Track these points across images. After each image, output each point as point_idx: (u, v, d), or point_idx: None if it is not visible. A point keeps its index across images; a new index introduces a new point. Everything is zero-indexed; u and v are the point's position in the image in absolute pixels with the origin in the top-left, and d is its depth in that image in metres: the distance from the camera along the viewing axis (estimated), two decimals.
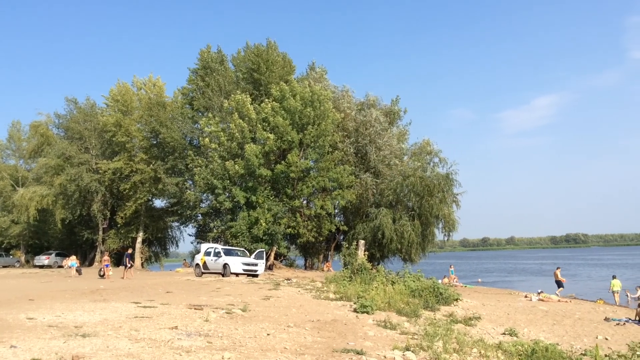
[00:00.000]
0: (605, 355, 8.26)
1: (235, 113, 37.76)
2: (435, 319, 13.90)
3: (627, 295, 31.03)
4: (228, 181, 37.08)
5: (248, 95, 39.32)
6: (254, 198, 36.50)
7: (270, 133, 36.57)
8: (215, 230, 38.85)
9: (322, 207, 37.99)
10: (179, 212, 44.19)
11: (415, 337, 10.58)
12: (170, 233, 53.78)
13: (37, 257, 49.35)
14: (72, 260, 35.93)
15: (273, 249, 37.67)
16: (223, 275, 28.68)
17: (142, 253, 47.53)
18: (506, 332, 14.59)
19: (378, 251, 39.95)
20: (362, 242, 31.81)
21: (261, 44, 43.95)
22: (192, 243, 46.63)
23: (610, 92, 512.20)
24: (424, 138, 44.66)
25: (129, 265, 31.22)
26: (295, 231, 38.19)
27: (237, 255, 30.25)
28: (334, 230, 41.29)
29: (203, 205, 41.04)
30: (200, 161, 38.64)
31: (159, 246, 55.58)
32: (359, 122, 42.08)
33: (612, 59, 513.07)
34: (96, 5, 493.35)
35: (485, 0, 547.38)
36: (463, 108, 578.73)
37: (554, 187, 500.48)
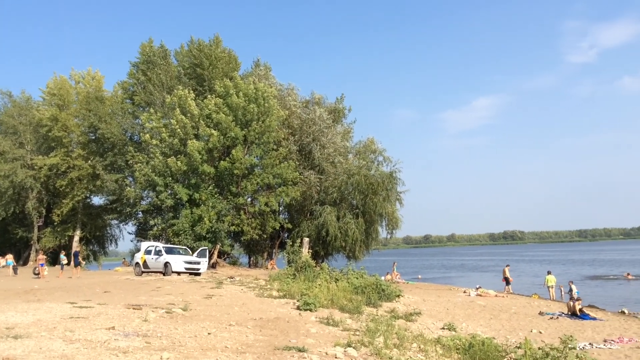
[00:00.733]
0: (539, 348, 8.55)
1: (177, 109, 37.04)
2: (377, 315, 14.05)
3: (561, 290, 32.34)
4: (170, 178, 36.34)
5: (191, 91, 38.68)
6: (197, 195, 35.94)
7: (214, 129, 36.08)
8: (156, 228, 38.02)
9: (266, 205, 37.81)
10: (118, 209, 43.09)
11: (357, 333, 10.65)
12: (109, 231, 52.43)
13: None
14: (9, 259, 34.69)
15: (216, 247, 37.20)
16: (164, 274, 28.09)
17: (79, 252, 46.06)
18: (445, 327, 14.92)
19: (322, 249, 40.10)
20: (306, 239, 31.85)
21: (203, 39, 43.36)
22: (132, 241, 45.63)
23: (547, 94, 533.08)
24: (368, 137, 45.18)
25: (76, 264, 31.13)
26: (240, 229, 37.87)
27: (179, 254, 29.71)
28: (278, 228, 41.17)
29: (144, 202, 40.14)
30: (141, 157, 37.71)
31: (97, 245, 54.05)
32: (303, 119, 42.10)
33: (549, 63, 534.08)
34: None
35: (428, 2, 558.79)
36: (407, 108, 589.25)
37: (492, 186, 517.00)
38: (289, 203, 41.02)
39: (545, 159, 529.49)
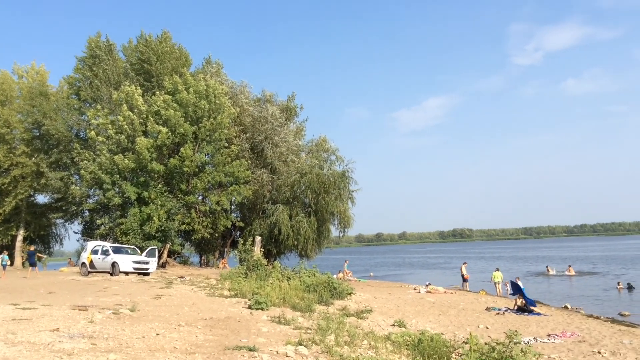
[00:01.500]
0: (485, 343, 8.73)
1: (124, 105, 36.15)
2: (328, 313, 14.09)
3: (507, 287, 33.23)
4: (117, 176, 35.43)
5: (138, 87, 37.86)
6: (145, 194, 35.20)
7: (163, 126, 35.40)
8: (103, 228, 37.05)
9: (217, 203, 37.40)
10: (63, 208, 41.79)
11: (309, 331, 10.65)
12: (54, 230, 50.67)
13: None
14: None
15: (166, 247, 36.56)
16: (112, 275, 27.50)
17: (22, 252, 44.41)
18: (395, 324, 15.09)
19: (274, 247, 39.98)
20: (258, 238, 31.68)
21: (152, 34, 42.49)
22: (78, 241, 44.29)
23: (495, 95, 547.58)
24: (320, 135, 45.18)
25: (32, 264, 30.24)
26: (190, 228, 37.32)
27: (127, 253, 29.14)
28: (230, 227, 40.82)
29: (90, 201, 39.04)
30: (87, 155, 36.63)
31: (41, 244, 52.18)
32: (255, 117, 41.83)
33: (497, 64, 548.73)
34: None
35: (380, 1, 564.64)
36: (359, 107, 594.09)
37: (443, 184, 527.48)
38: (241, 202, 40.71)
39: (493, 158, 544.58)
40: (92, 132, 36.29)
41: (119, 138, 35.67)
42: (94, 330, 9.69)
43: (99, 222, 37.25)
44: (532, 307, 22.90)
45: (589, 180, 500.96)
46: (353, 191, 42.52)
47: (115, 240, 35.18)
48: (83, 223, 43.66)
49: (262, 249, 31.86)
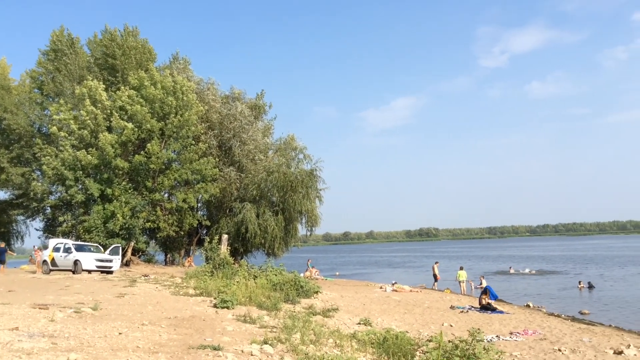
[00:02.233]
0: (449, 341, 8.83)
1: (87, 100, 35.41)
2: (295, 312, 14.07)
3: (471, 285, 33.79)
4: (80, 172, 34.70)
5: (101, 82, 37.17)
6: (109, 190, 34.58)
7: (128, 122, 34.82)
8: (65, 225, 36.28)
9: (184, 201, 37.00)
10: (24, 204, 40.81)
11: (275, 330, 10.61)
12: (14, 227, 49.44)
13: None
14: None
15: (130, 245, 35.99)
16: (74, 273, 26.99)
17: None
18: (361, 322, 15.16)
19: (241, 246, 39.78)
20: (225, 236, 31.49)
21: (117, 28, 41.76)
22: (39, 238, 43.31)
23: (461, 96, 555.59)
24: (289, 134, 45.05)
25: (1, 261, 30.00)
26: (155, 225, 36.81)
27: (90, 251, 28.66)
28: (196, 225, 40.44)
29: (52, 197, 38.16)
30: (49, 150, 35.80)
31: (2, 242, 50.87)
32: (223, 115, 41.52)
33: (463, 66, 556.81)
34: None
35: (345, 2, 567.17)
36: (328, 105, 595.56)
37: (410, 184, 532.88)
38: (208, 199, 40.37)
39: (459, 159, 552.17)
40: (54, 128, 35.48)
41: (82, 133, 34.95)
42: (54, 329, 9.47)
43: (61, 219, 36.47)
44: (495, 306, 23.30)
45: (552, 182, 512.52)
46: (321, 190, 42.63)
47: (78, 238, 34.51)
48: (45, 220, 42.77)
49: (229, 247, 31.69)
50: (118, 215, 33.78)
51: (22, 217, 45.64)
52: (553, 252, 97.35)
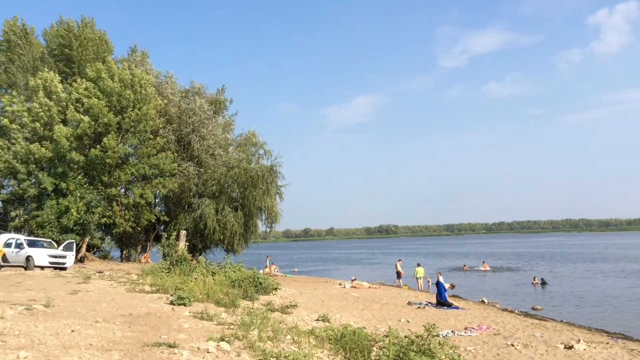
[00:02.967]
0: (405, 337, 8.94)
1: (42, 91, 34.38)
2: (253, 309, 14.00)
3: (429, 281, 34.29)
4: (34, 166, 33.70)
5: (57, 74, 36.14)
6: (64, 185, 33.69)
7: (84, 115, 33.97)
8: (17, 220, 35.20)
9: (141, 196, 36.35)
10: None
11: (232, 327, 10.53)
12: None
13: None
14: None
15: (85, 240, 35.17)
16: (26, 269, 26.21)
17: None
18: (320, 318, 15.20)
19: (200, 242, 39.35)
20: (183, 232, 31.07)
21: (72, 19, 40.66)
22: None
23: (421, 95, 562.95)
24: (249, 129, 44.90)
25: None
26: (111, 221, 36.06)
27: (43, 247, 27.88)
28: (153, 221, 39.79)
29: (4, 191, 37.02)
30: (1, 143, 34.64)
31: None
32: (182, 109, 40.93)
33: (424, 65, 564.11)
34: None
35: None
36: (290, 102, 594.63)
37: (370, 181, 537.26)
38: (166, 195, 39.77)
39: (419, 157, 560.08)
40: (6, 120, 34.33)
41: (35, 126, 33.93)
42: (4, 326, 9.18)
43: (13, 214, 35.36)
44: (451, 302, 23.74)
45: (508, 180, 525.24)
46: (281, 186, 42.53)
47: (31, 233, 33.51)
48: None
49: (187, 244, 31.30)
50: (72, 210, 32.95)
51: None
52: (507, 249, 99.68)
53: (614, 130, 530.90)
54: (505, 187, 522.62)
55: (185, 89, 44.19)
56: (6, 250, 27.73)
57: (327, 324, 13.76)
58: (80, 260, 33.87)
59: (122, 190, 38.32)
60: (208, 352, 8.04)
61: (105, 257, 41.34)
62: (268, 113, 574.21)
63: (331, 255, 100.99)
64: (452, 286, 26.87)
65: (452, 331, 16.54)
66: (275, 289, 21.39)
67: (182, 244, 28.03)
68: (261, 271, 34.07)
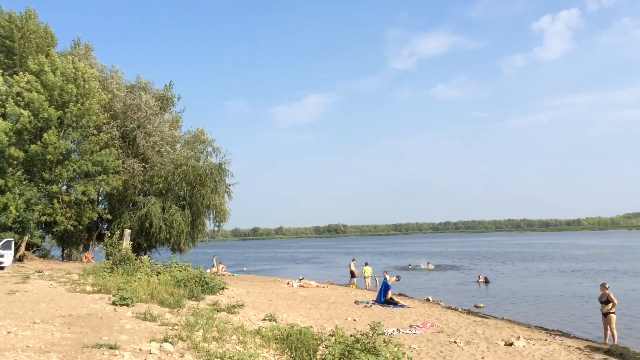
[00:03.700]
0: (351, 335, 9.01)
1: None
2: (198, 309, 13.82)
3: (376, 280, 34.69)
4: None
5: None
6: (2, 181, 32.32)
7: (25, 109, 32.72)
8: None
9: (83, 193, 35.28)
10: None
11: (176, 327, 10.37)
12: None
13: None
14: None
15: (24, 239, 33.85)
16: None
17: None
18: (266, 318, 15.16)
19: (145, 241, 38.54)
20: (127, 231, 30.38)
21: (14, 10, 39.07)
22: None
23: (372, 96, 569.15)
24: (198, 127, 44.17)
25: None
26: (52, 219, 34.85)
27: None
28: (96, 219, 38.68)
29: None
30: None
31: None
32: (128, 104, 39.94)
33: (374, 66, 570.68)
34: None
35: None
36: (240, 100, 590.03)
37: (319, 181, 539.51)
38: (110, 192, 38.74)
39: (369, 157, 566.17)
40: None
41: None
42: None
43: None
44: (397, 300, 24.09)
45: (455, 181, 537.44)
46: (230, 184, 42.14)
47: None
48: None
49: (131, 243, 30.61)
50: (11, 207, 31.65)
51: None
52: (452, 248, 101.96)
53: (555, 133, 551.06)
54: (452, 188, 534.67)
55: (131, 84, 43.16)
56: None
57: (274, 323, 13.73)
58: (19, 259, 32.60)
59: (64, 187, 37.07)
60: (150, 353, 7.89)
61: (45, 256, 39.89)
62: (217, 111, 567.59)
63: (280, 254, 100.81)
64: (398, 278, 27.30)
65: (397, 329, 16.78)
66: (222, 288, 21.19)
67: (126, 243, 27.42)
68: (208, 271, 33.68)
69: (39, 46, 38.27)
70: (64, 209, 35.68)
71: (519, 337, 15.27)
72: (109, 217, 39.39)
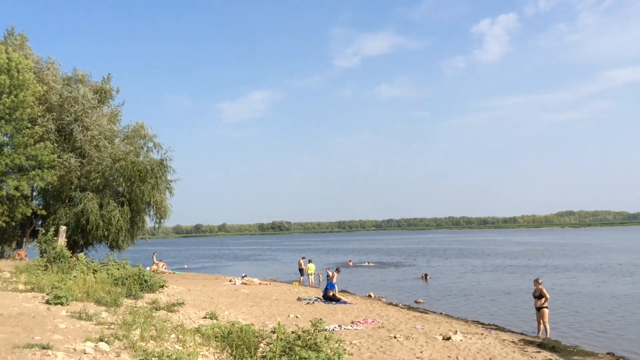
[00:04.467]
0: (292, 332, 9.02)
1: None
2: (136, 307, 13.50)
3: (319, 277, 34.93)
4: None
5: None
6: None
7: None
8: None
9: (16, 189, 33.77)
10: None
11: (112, 327, 10.10)
12: None
13: None
14: None
15: None
16: None
17: None
18: (207, 316, 14.98)
19: (82, 238, 37.30)
20: (63, 228, 29.37)
21: None
22: None
23: (316, 93, 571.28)
24: (137, 121, 42.95)
25: None
26: None
27: None
28: (30, 215, 37.15)
29: None
30: None
31: None
32: (64, 97, 38.48)
33: (319, 64, 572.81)
34: None
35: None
36: (183, 95, 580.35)
37: (263, 177, 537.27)
38: (44, 188, 37.28)
39: (312, 154, 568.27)
40: None
41: None
42: None
43: None
44: (339, 297, 24.30)
45: (398, 179, 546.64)
46: (171, 181, 41.25)
47: None
48: None
49: (67, 240, 29.61)
50: None
51: None
52: (394, 245, 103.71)
53: (492, 134, 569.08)
54: (395, 186, 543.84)
55: (67, 76, 41.61)
56: None
57: (215, 321, 13.58)
58: None
59: None
60: (85, 353, 7.65)
61: None
62: (159, 106, 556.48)
63: (222, 251, 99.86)
64: (338, 270, 27.61)
65: (339, 325, 16.92)
66: (162, 286, 20.80)
67: (62, 240, 26.53)
68: (148, 268, 32.96)
69: None
70: None
71: (457, 332, 15.69)
72: (44, 213, 37.91)
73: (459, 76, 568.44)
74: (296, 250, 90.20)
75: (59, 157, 36.60)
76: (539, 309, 17.14)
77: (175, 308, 15.17)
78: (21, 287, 16.39)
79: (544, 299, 17.00)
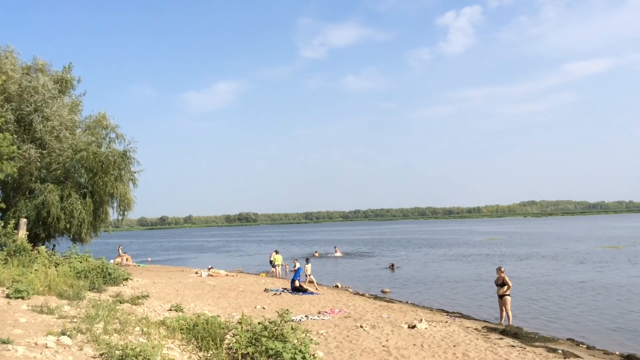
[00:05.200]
0: (259, 323, 9.01)
1: None
2: (100, 301, 13.30)
3: (286, 268, 34.94)
4: None
5: None
6: None
7: None
8: None
9: None
10: None
11: (75, 320, 9.93)
12: None
13: None
14: None
15: None
16: None
17: None
18: (172, 308, 14.85)
19: (43, 231, 36.42)
20: (23, 220, 28.65)
21: None
22: None
23: (283, 84, 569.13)
24: (99, 111, 41.99)
25: None
26: None
27: None
28: None
29: None
30: None
31: None
32: (24, 87, 37.41)
33: (285, 55, 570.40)
34: None
35: None
36: (145, 85, 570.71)
37: (230, 168, 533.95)
38: (4, 180, 36.26)
39: (279, 145, 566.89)
40: None
41: None
42: None
43: None
44: (306, 287, 24.39)
45: (365, 170, 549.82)
46: (135, 172, 40.50)
47: None
48: None
49: (28, 233, 28.91)
50: None
51: None
52: (360, 235, 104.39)
53: (457, 125, 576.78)
54: (362, 177, 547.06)
55: (27, 65, 40.40)
56: None
57: (180, 313, 13.48)
58: None
59: None
60: (47, 347, 7.51)
61: None
62: (121, 96, 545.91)
63: (188, 243, 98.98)
64: (308, 260, 27.75)
65: (305, 316, 16.98)
66: (126, 279, 20.51)
67: (22, 233, 25.90)
68: (112, 261, 32.45)
69: None
70: None
71: (422, 320, 15.93)
72: (3, 205, 36.76)
73: (425, 68, 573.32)
74: (262, 242, 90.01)
75: (18, 148, 35.60)
76: (501, 297, 17.49)
77: (140, 301, 14.99)
78: None
79: (506, 286, 17.35)
